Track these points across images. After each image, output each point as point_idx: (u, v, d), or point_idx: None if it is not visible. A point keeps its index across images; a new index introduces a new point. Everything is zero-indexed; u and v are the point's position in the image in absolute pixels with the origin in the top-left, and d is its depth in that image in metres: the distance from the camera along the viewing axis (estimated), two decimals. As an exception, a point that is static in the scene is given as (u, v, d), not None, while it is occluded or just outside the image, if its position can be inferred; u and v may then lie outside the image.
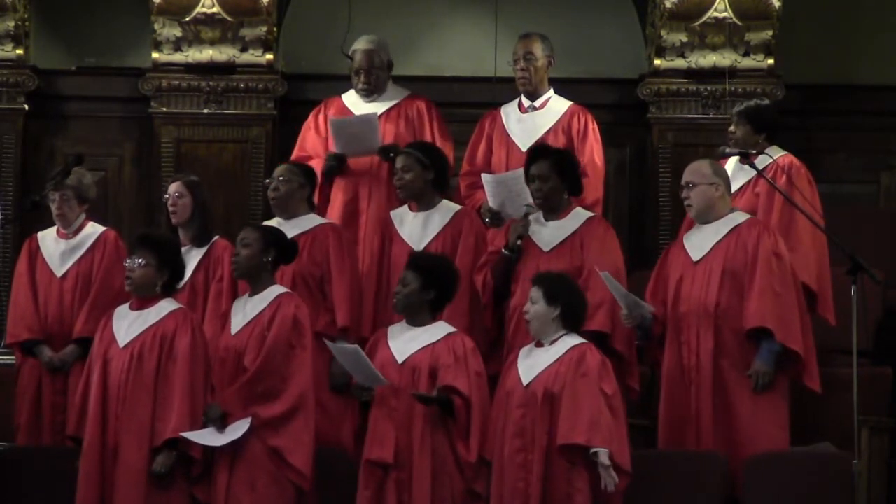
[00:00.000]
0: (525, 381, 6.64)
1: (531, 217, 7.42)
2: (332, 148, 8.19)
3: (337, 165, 8.16)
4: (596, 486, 6.50)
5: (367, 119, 8.14)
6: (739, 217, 7.26)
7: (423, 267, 6.90)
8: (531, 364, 6.68)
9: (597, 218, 7.54)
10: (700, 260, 7.19)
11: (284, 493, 6.81)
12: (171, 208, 7.63)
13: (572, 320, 6.72)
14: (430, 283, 6.88)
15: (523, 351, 6.79)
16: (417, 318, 6.91)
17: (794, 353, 7.04)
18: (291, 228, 7.49)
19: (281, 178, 7.67)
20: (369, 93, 8.35)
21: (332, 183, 8.22)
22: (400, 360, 6.82)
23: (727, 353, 7.06)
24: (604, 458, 6.45)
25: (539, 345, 6.74)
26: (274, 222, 7.62)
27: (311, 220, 7.66)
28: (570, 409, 6.51)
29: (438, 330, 6.89)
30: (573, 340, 6.68)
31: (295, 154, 8.32)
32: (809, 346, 7.11)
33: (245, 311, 7.00)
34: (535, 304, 6.71)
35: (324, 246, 7.54)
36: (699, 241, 7.24)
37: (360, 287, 7.59)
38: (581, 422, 6.47)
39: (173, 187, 7.68)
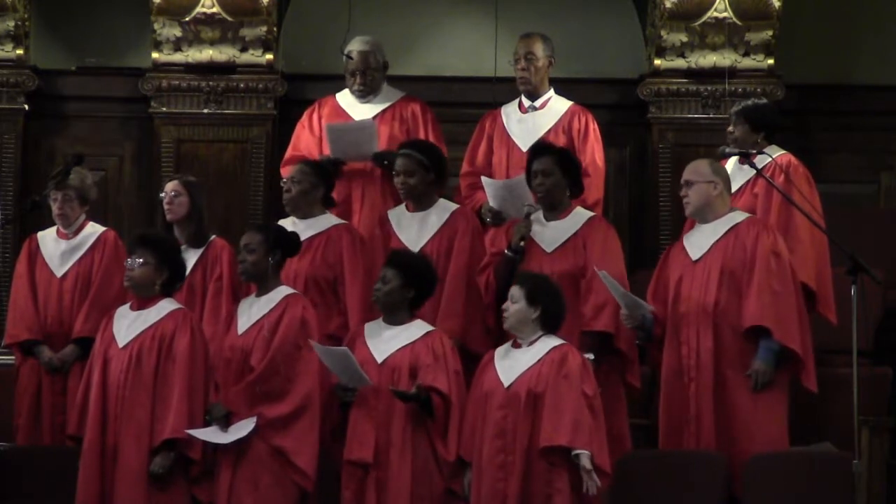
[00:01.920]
0: (506, 383, 6.63)
1: (532, 217, 7.42)
2: (327, 151, 8.18)
3: (333, 171, 8.15)
4: (576, 487, 6.49)
5: (364, 126, 8.13)
6: (738, 216, 7.26)
7: (403, 265, 6.91)
8: (510, 365, 6.68)
9: (598, 218, 7.53)
10: (699, 259, 7.19)
11: (287, 493, 6.80)
12: (166, 206, 7.63)
13: (551, 322, 6.71)
14: (411, 280, 6.89)
15: (499, 351, 6.78)
16: (396, 316, 6.92)
17: (793, 352, 7.03)
18: (306, 229, 7.49)
19: (294, 179, 7.65)
20: (365, 94, 8.35)
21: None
22: (380, 359, 6.83)
23: (726, 352, 7.05)
24: (585, 461, 6.44)
25: (516, 345, 6.74)
26: (288, 222, 7.61)
27: (325, 221, 7.64)
28: (552, 410, 6.51)
29: (416, 329, 6.90)
30: (553, 342, 6.68)
31: (288, 153, 8.32)
32: (808, 345, 7.08)
33: (252, 311, 7.00)
34: (515, 304, 6.70)
35: (337, 248, 7.52)
36: (698, 241, 7.23)
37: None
38: (564, 424, 6.46)
39: (170, 186, 7.68)
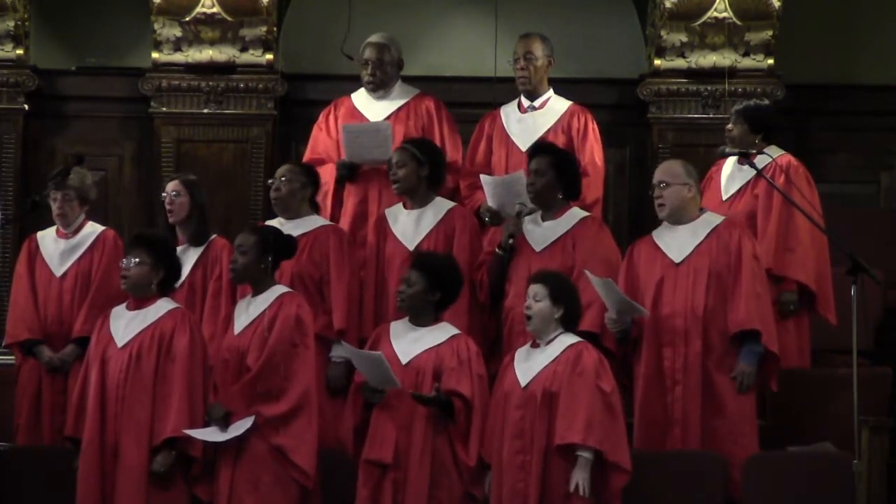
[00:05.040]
0: (523, 383, 6.64)
1: (528, 216, 7.42)
2: (343, 155, 8.17)
3: (348, 174, 8.15)
4: (595, 486, 6.51)
5: (379, 128, 8.12)
6: (714, 218, 7.27)
7: (428, 267, 6.89)
8: (528, 365, 6.68)
9: (590, 218, 7.51)
10: (683, 262, 7.18)
11: (288, 492, 6.81)
12: (168, 207, 7.62)
13: (572, 321, 6.73)
14: (436, 283, 6.87)
15: (520, 353, 6.78)
16: (421, 318, 6.90)
17: (771, 355, 7.06)
18: (293, 229, 7.48)
19: (283, 179, 7.65)
20: (375, 87, 8.33)
21: (344, 186, 8.21)
22: (404, 360, 6.82)
23: (713, 354, 7.07)
24: (582, 465, 6.46)
25: (535, 345, 6.74)
26: (276, 222, 7.62)
27: (312, 221, 7.65)
28: (566, 408, 6.52)
29: (442, 332, 6.89)
30: (569, 339, 6.68)
31: (307, 156, 8.31)
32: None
33: (248, 311, 7.00)
34: (539, 302, 6.69)
35: (324, 247, 7.53)
36: (677, 243, 7.22)
37: (359, 289, 7.58)
38: (578, 421, 6.48)
39: (170, 186, 7.67)
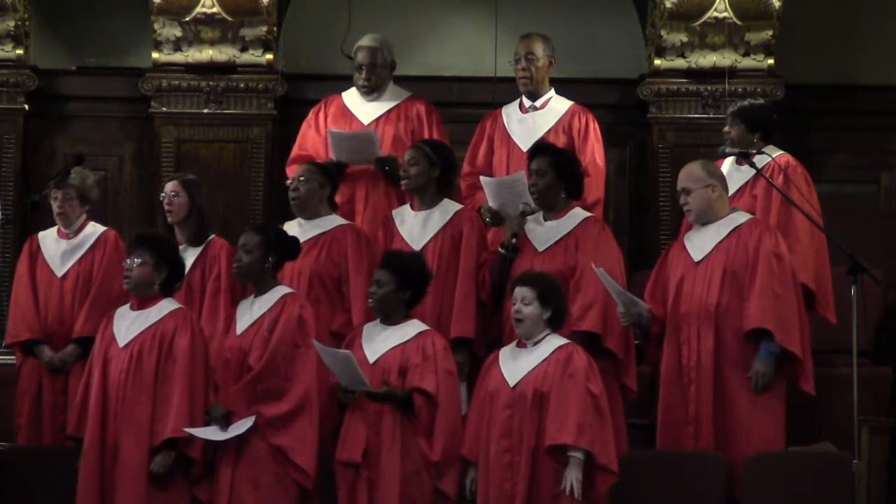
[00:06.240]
0: (512, 382, 6.64)
1: (530, 216, 7.42)
2: (331, 154, 8.18)
3: (336, 173, 8.16)
4: (583, 487, 6.51)
5: (366, 136, 8.12)
6: (741, 217, 7.27)
7: (397, 266, 6.90)
8: (516, 365, 6.68)
9: (593, 218, 7.51)
10: (701, 260, 7.19)
11: (288, 492, 6.82)
12: (166, 207, 7.63)
13: (559, 321, 6.74)
14: (406, 282, 6.89)
15: (504, 352, 6.78)
16: (392, 317, 6.92)
17: (792, 355, 7.04)
18: (312, 228, 7.49)
19: (301, 179, 7.65)
20: (369, 90, 8.34)
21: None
22: (371, 360, 6.83)
23: (727, 353, 7.07)
24: (575, 465, 6.46)
25: (521, 345, 6.74)
26: (294, 223, 7.62)
27: (331, 221, 7.66)
28: (557, 409, 6.52)
29: (410, 329, 6.90)
30: (558, 341, 6.69)
31: (294, 153, 8.32)
32: (807, 348, 7.11)
33: (251, 311, 7.01)
34: (528, 305, 6.69)
35: (343, 246, 7.53)
36: (700, 241, 7.24)
37: None
38: (569, 422, 6.48)
39: (169, 186, 7.68)
